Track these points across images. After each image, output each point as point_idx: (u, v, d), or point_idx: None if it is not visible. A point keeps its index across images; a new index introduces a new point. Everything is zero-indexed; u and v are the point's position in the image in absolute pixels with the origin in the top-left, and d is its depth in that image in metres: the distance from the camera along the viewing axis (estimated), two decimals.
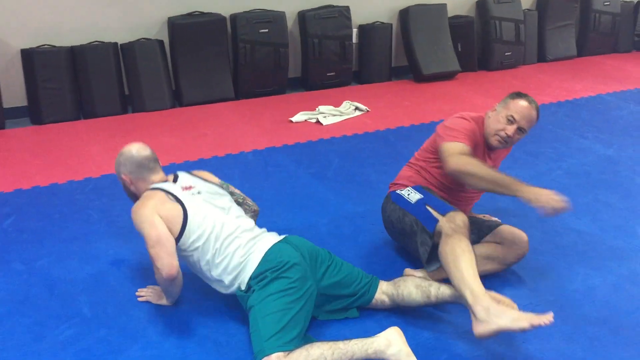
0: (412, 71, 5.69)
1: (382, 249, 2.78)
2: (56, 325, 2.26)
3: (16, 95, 4.47)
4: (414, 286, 2.24)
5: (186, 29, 4.74)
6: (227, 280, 2.18)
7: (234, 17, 4.96)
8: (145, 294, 2.41)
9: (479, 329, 2.01)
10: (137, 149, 2.35)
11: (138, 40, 4.71)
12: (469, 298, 2.06)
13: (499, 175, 2.30)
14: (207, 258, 2.19)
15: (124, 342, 2.17)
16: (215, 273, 2.20)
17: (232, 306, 2.32)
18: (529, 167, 3.73)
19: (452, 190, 2.58)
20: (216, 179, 2.50)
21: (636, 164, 3.80)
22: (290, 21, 5.28)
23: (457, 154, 2.35)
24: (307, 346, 1.95)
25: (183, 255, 2.24)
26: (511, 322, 1.96)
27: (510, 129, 2.44)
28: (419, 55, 5.55)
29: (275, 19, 5.04)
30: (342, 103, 4.86)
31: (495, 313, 1.99)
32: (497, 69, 5.99)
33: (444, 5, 5.74)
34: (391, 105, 4.94)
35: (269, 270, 2.10)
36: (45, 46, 4.42)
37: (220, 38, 4.91)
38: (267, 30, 5.00)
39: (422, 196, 2.46)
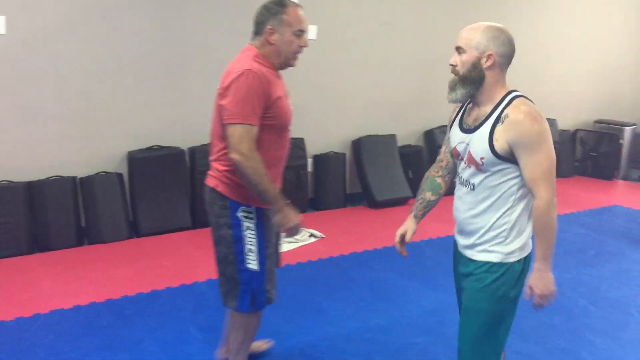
0: (365, 197, 5.91)
1: None
2: None
3: None
4: None
5: (145, 162, 4.91)
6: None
7: (193, 150, 5.17)
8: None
9: None
10: (512, 39, 2.02)
11: (97, 173, 4.83)
12: None
13: (270, 185, 2.35)
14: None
15: None
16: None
17: None
18: None
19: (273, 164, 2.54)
20: None
21: (579, 285, 3.94)
22: None
23: (245, 140, 2.30)
24: None
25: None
26: None
27: (304, 41, 2.46)
28: (372, 183, 5.81)
29: None
30: None
31: None
32: (447, 194, 6.25)
33: (393, 136, 6.10)
34: (345, 231, 5.08)
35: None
36: (3, 182, 4.50)
37: (179, 170, 5.08)
38: None
39: (259, 269, 2.47)
